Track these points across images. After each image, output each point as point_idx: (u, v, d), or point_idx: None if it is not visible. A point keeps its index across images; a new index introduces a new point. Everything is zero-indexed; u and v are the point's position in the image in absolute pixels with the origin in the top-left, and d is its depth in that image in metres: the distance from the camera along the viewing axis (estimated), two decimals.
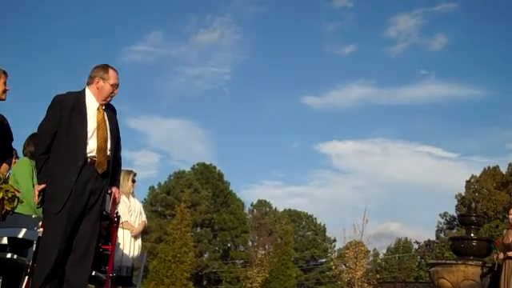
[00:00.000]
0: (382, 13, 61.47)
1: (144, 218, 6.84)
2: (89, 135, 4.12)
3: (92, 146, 4.12)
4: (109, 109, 4.35)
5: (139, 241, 6.71)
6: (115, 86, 4.30)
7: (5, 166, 4.39)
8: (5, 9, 58.06)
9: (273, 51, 67.11)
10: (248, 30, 69.02)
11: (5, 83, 4.31)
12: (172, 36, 67.27)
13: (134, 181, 6.56)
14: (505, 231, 8.10)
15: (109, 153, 4.21)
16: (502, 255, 7.83)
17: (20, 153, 5.49)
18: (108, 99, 4.30)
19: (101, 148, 4.14)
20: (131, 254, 6.51)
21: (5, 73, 4.33)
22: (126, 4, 64.06)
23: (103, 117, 4.24)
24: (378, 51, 63.16)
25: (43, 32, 61.79)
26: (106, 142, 4.19)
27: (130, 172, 6.49)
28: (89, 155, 4.10)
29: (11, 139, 4.58)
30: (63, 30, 61.79)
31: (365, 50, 62.74)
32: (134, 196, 6.80)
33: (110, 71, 4.29)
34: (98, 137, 4.15)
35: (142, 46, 74.90)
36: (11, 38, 57.47)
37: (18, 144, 5.52)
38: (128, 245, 6.47)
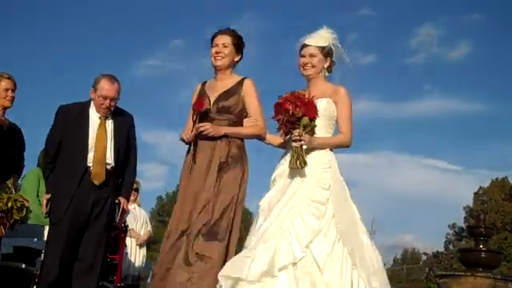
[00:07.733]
0: (408, 21, 60.66)
1: (149, 227, 6.95)
2: (90, 146, 4.07)
3: (91, 157, 4.06)
4: (121, 118, 4.24)
5: (144, 250, 6.82)
6: (105, 97, 4.06)
7: (14, 176, 4.40)
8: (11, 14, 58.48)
9: (283, 63, 66.98)
10: (257, 43, 68.97)
11: (7, 90, 4.26)
12: (191, 47, 67.24)
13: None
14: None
15: (110, 164, 4.12)
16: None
17: (35, 163, 5.46)
18: (101, 111, 4.12)
19: (99, 160, 4.06)
20: (137, 263, 6.57)
21: (10, 78, 4.29)
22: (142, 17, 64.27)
23: (104, 128, 4.13)
24: (395, 63, 62.43)
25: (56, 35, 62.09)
26: (104, 153, 4.08)
27: None
28: (89, 166, 4.06)
29: (23, 150, 4.60)
30: (74, 36, 62.08)
31: (381, 62, 61.96)
32: (139, 206, 6.90)
33: (102, 82, 4.08)
34: (95, 148, 4.07)
35: (155, 59, 74.91)
36: (16, 45, 57.88)
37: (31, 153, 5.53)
38: (134, 253, 6.54)
